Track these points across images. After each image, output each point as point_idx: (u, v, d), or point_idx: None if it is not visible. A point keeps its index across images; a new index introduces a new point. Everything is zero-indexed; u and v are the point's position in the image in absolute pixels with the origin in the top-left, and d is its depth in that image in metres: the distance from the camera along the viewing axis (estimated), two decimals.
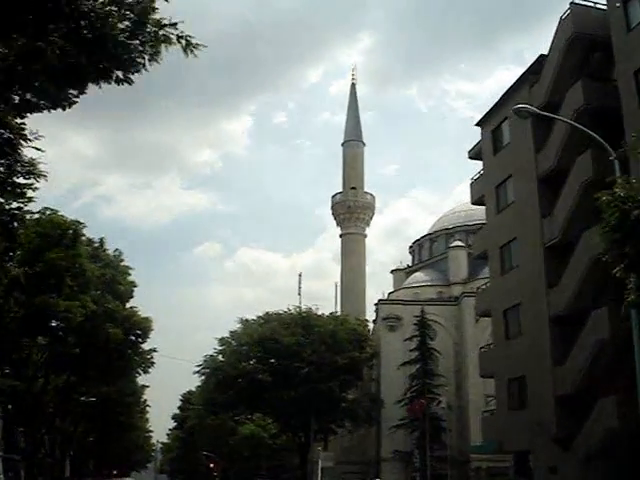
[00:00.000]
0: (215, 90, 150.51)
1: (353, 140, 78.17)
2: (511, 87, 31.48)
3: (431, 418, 46.95)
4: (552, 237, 27.86)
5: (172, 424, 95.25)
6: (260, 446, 62.39)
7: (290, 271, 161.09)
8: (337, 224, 76.38)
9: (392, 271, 65.69)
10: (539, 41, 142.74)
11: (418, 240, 64.61)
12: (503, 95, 32.11)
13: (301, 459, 52.59)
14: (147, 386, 63.98)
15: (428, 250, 62.57)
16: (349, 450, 62.26)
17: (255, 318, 53.74)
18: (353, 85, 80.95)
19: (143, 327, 41.82)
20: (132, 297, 41.41)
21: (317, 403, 48.86)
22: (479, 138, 35.89)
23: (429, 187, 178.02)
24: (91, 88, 10.76)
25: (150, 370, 46.78)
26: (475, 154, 37.11)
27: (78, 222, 31.63)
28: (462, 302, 52.53)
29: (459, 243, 57.83)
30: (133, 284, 41.19)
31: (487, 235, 35.15)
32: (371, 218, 76.09)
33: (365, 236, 75.48)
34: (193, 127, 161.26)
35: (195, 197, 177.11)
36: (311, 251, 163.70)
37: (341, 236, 75.25)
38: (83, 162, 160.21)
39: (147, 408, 75.33)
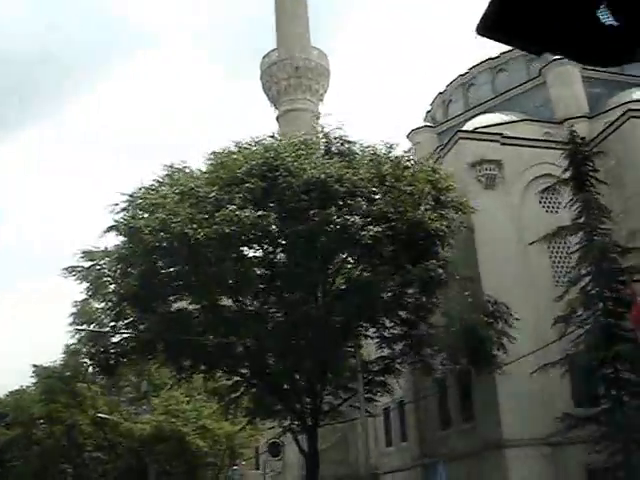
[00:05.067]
0: None
1: None
2: None
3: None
4: None
5: None
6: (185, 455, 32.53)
7: None
8: (270, 100, 48.17)
9: (409, 133, 37.95)
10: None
11: (462, 75, 37.14)
12: None
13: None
14: None
15: (489, 85, 35.65)
16: (326, 455, 34.12)
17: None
18: None
19: None
20: None
21: (370, 316, 21.05)
22: None
23: None
24: None
25: None
26: None
27: None
28: (626, 126, 26.70)
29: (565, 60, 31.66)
30: None
31: None
32: (325, 91, 48.78)
33: (318, 116, 47.64)
34: None
35: None
36: None
37: (278, 118, 47.10)
38: None
39: None
